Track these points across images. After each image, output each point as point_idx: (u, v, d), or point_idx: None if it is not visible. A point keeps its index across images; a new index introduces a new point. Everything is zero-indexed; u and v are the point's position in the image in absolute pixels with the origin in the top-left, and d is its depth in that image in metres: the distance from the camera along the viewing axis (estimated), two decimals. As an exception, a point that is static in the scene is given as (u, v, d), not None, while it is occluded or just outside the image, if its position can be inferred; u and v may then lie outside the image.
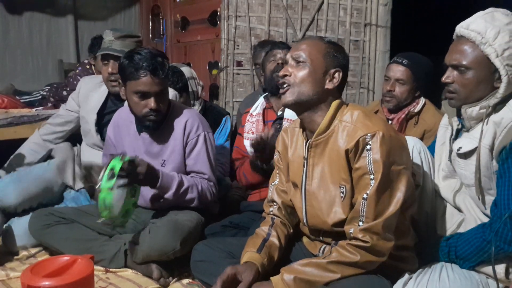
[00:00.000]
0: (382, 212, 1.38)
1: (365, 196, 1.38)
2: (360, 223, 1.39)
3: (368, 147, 1.38)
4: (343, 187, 1.45)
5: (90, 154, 2.43)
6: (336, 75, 1.49)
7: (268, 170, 1.97)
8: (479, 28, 1.41)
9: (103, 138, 2.36)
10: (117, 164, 1.68)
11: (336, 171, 1.46)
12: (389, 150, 1.38)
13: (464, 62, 1.45)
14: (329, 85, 1.48)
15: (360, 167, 1.40)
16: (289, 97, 1.48)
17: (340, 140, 1.44)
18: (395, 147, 1.40)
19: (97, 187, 1.68)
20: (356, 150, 1.40)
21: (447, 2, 4.61)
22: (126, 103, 2.22)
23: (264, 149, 1.97)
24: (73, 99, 2.53)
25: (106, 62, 2.32)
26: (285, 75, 1.49)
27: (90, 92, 2.47)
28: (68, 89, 3.52)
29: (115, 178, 1.66)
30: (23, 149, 2.54)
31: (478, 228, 1.46)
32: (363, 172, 1.39)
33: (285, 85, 1.49)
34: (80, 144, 2.54)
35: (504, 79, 1.40)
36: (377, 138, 1.37)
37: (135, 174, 1.76)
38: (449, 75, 1.49)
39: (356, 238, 1.39)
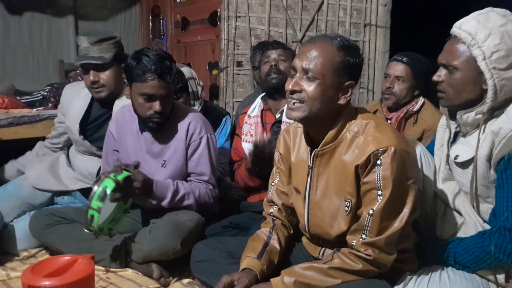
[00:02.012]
0: (387, 228, 1.36)
1: (371, 211, 1.35)
2: (363, 236, 1.37)
3: (378, 162, 1.33)
4: (348, 202, 1.42)
5: (82, 160, 2.34)
6: (350, 90, 1.39)
7: (264, 175, 1.96)
8: (470, 29, 1.39)
9: (99, 147, 2.27)
10: (109, 184, 1.69)
11: (341, 183, 1.42)
12: (400, 166, 1.33)
13: (453, 62, 1.43)
14: (341, 101, 1.39)
15: (368, 182, 1.36)
16: (297, 114, 1.39)
17: (349, 152, 1.39)
18: (406, 163, 1.35)
19: (88, 203, 1.69)
20: (366, 165, 1.35)
21: (447, 2, 4.61)
22: (118, 101, 2.24)
23: (261, 156, 1.96)
24: (60, 111, 2.44)
25: (86, 71, 2.18)
26: (295, 91, 1.38)
27: (73, 100, 2.34)
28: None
29: (106, 197, 1.67)
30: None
31: (478, 237, 1.44)
32: (371, 187, 1.36)
33: (294, 101, 1.39)
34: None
35: (489, 82, 1.37)
36: (388, 154, 1.32)
37: (131, 189, 1.78)
38: (440, 74, 1.48)
39: (358, 251, 1.38)
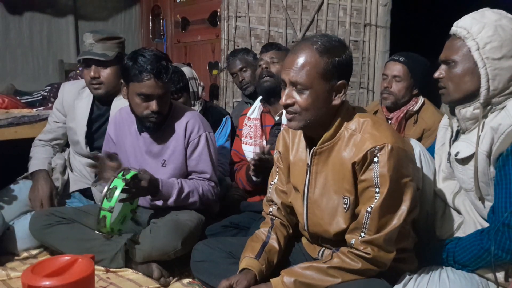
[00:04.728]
0: (385, 226, 1.36)
1: (369, 209, 1.35)
2: (362, 234, 1.37)
3: (375, 159, 1.33)
4: (347, 199, 1.42)
5: (81, 160, 2.34)
6: (343, 89, 1.39)
7: (264, 181, 1.95)
8: (466, 25, 1.45)
9: (92, 149, 2.30)
10: (119, 184, 1.72)
11: (340, 180, 1.43)
12: (397, 163, 1.33)
13: (451, 57, 1.48)
14: (336, 101, 1.40)
15: (366, 179, 1.36)
16: (295, 124, 1.41)
17: (346, 150, 1.40)
18: (403, 160, 1.36)
19: (99, 205, 1.72)
20: (363, 163, 1.36)
21: (447, 2, 4.61)
22: (116, 101, 2.25)
23: (266, 165, 1.92)
24: (58, 110, 2.41)
25: (88, 66, 2.23)
26: (288, 105, 1.39)
27: (75, 101, 2.35)
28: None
29: (115, 197, 1.70)
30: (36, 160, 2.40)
31: (476, 234, 1.45)
32: (368, 185, 1.36)
33: (290, 115, 1.41)
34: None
35: (482, 71, 1.41)
36: (385, 151, 1.32)
37: (138, 189, 1.79)
38: (441, 71, 1.52)
39: (357, 249, 1.38)
